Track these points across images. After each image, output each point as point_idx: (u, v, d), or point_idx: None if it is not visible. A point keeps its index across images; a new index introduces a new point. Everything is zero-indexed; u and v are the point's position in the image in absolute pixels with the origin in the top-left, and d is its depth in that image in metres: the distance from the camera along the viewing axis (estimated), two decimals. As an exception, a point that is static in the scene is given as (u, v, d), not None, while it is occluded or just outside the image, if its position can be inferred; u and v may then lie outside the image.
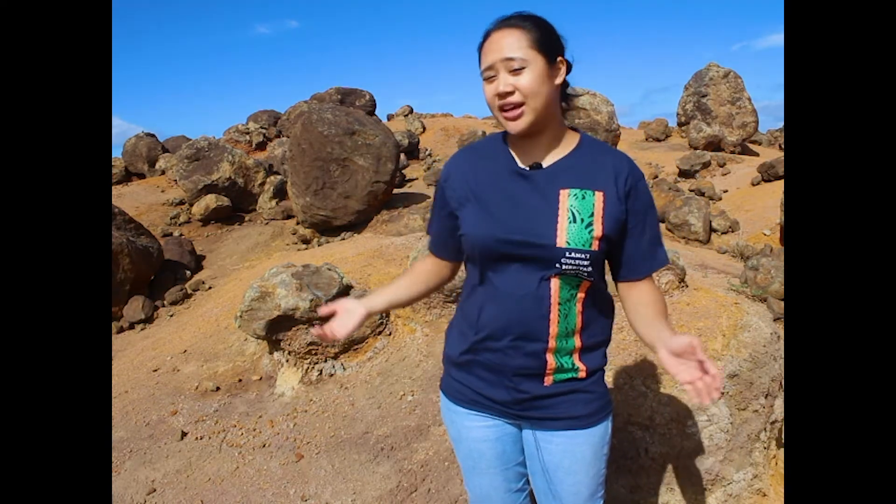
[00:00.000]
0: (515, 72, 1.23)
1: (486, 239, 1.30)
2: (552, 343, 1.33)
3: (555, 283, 1.29)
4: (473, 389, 1.43)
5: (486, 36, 1.28)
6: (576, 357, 1.36)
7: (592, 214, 1.27)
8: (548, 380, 1.36)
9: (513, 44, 1.23)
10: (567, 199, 1.28)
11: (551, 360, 1.34)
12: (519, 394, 1.37)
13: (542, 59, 1.24)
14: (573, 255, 1.26)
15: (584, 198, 1.28)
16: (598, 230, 1.27)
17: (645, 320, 1.34)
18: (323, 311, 1.47)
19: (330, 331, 1.42)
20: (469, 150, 1.45)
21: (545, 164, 1.32)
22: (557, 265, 1.27)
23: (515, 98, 1.24)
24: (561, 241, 1.26)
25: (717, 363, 1.21)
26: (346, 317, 1.45)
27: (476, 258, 1.35)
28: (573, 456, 1.41)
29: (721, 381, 1.17)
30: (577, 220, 1.27)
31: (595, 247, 1.27)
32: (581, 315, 1.34)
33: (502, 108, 1.26)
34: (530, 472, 1.52)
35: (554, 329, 1.32)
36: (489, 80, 1.26)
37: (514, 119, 1.26)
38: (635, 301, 1.37)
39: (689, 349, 1.18)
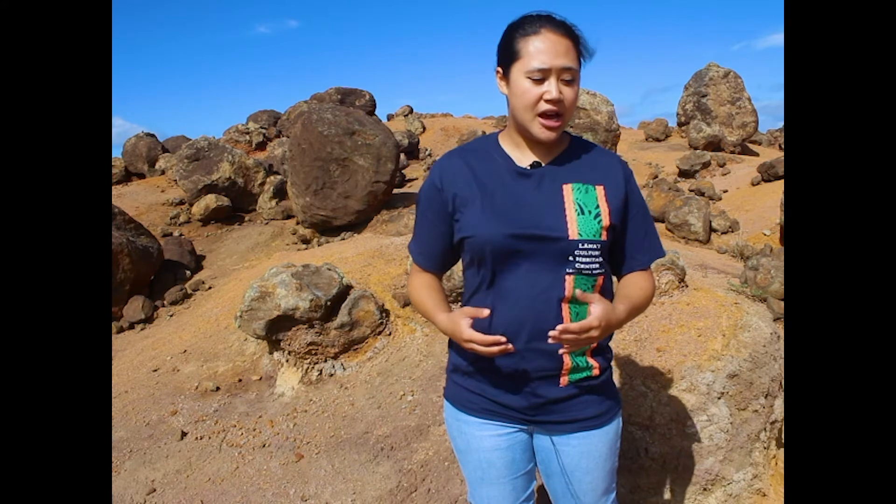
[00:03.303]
0: (567, 83, 1.23)
1: (495, 236, 1.28)
2: None
3: (569, 281, 1.29)
4: (486, 397, 1.41)
5: (537, 31, 1.22)
6: (588, 354, 1.37)
7: (598, 206, 1.29)
8: (563, 380, 1.35)
9: (571, 54, 1.22)
10: (571, 193, 1.30)
11: (567, 359, 1.34)
12: (535, 398, 1.36)
13: (579, 75, 1.27)
14: (586, 246, 1.27)
15: (586, 192, 1.30)
16: (605, 220, 1.29)
17: (618, 291, 1.38)
18: (488, 339, 1.25)
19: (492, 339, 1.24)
20: (462, 152, 1.40)
21: (544, 162, 1.34)
22: (571, 258, 1.27)
23: (560, 108, 1.23)
24: (573, 234, 1.26)
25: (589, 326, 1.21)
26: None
27: (485, 260, 1.31)
28: (590, 455, 1.42)
29: (575, 331, 1.18)
30: (584, 212, 1.28)
31: (604, 237, 1.29)
32: None
33: (543, 114, 1.24)
34: (546, 475, 1.50)
35: None
36: (536, 81, 1.22)
37: (552, 128, 1.25)
38: (625, 282, 1.40)
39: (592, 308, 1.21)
